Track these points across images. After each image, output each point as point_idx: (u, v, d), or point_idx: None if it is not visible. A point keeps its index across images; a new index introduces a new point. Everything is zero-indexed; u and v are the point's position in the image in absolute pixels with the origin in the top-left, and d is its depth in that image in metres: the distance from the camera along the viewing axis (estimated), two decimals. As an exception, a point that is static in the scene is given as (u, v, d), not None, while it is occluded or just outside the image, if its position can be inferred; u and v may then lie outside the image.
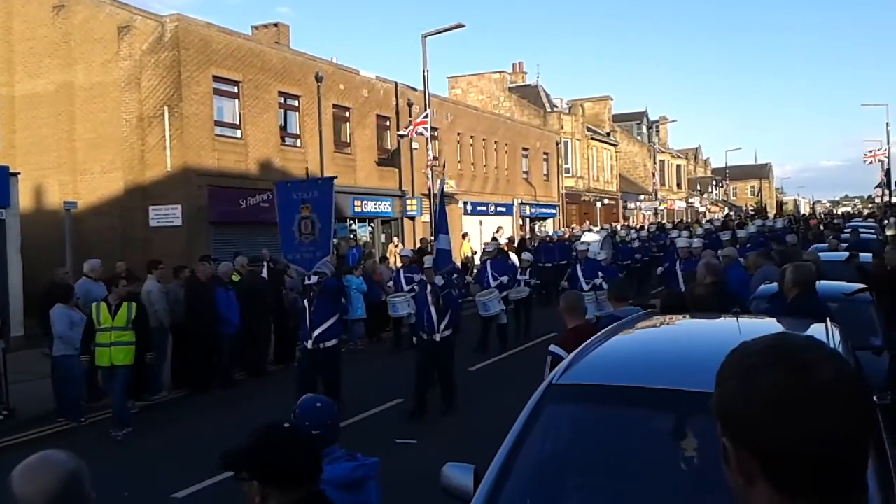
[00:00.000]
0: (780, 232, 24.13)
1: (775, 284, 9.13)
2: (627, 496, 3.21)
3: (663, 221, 46.53)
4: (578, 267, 16.56)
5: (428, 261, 11.59)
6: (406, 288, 16.03)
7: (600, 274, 16.30)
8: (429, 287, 10.80)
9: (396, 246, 24.83)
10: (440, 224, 11.88)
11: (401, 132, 27.74)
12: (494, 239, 23.91)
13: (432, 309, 10.58)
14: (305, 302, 10.18)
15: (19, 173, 17.13)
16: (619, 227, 32.46)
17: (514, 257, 18.62)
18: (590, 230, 28.99)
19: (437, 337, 10.51)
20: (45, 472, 2.16)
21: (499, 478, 3.22)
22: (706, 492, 3.11)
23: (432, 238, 13.80)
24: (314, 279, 10.09)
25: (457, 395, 10.52)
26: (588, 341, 4.16)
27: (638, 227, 37.35)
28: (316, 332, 9.90)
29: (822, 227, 32.51)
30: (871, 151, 54.58)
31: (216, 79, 20.95)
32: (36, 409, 11.20)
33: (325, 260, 10.33)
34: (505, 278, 16.25)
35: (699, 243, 15.90)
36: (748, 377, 1.12)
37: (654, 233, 31.56)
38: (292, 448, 2.40)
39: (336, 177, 13.80)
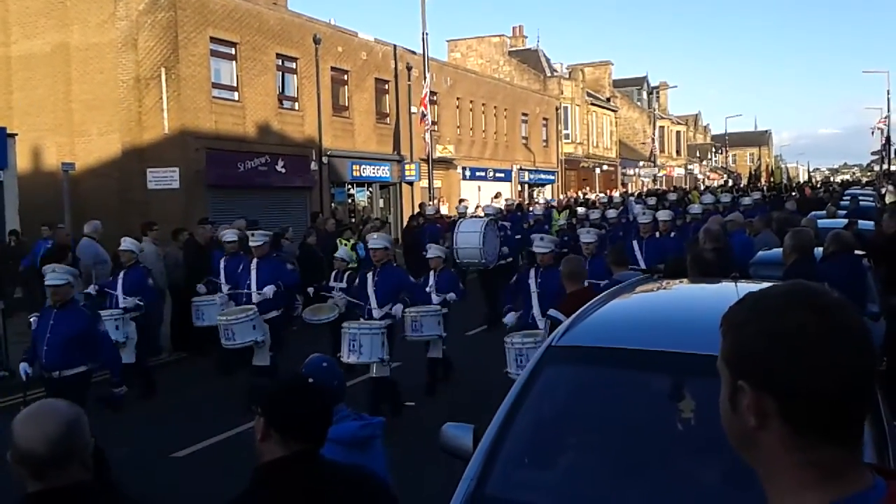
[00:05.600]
0: (748, 212, 16.38)
1: (774, 251, 9.20)
2: (624, 456, 3.25)
3: (575, 195, 33.21)
4: (370, 278, 9.26)
5: None
6: (226, 286, 10.77)
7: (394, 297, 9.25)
8: None
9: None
10: None
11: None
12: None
13: None
14: None
15: (17, 134, 17.05)
16: (501, 203, 21.81)
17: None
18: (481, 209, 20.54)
19: None
20: (47, 418, 2.25)
21: (498, 437, 3.26)
22: (702, 452, 3.16)
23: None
24: None
25: None
26: (587, 304, 4.18)
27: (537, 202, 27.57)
28: None
29: (817, 196, 32.31)
30: (878, 119, 54.41)
31: (213, 40, 20.75)
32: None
33: None
34: (270, 290, 9.74)
35: (591, 237, 10.30)
36: (770, 319, 1.16)
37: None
38: (304, 403, 2.45)
39: None
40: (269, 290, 9.74)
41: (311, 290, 10.94)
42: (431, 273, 10.37)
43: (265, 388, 2.57)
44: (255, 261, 10.06)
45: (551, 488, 3.23)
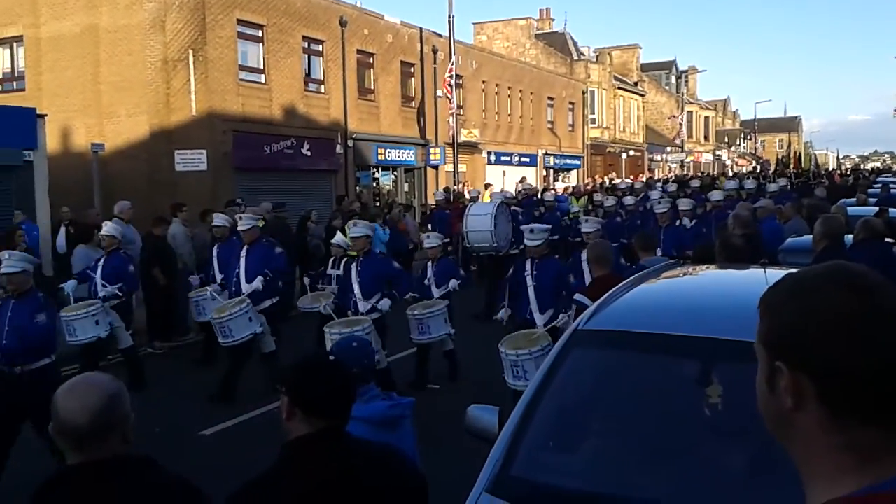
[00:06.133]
0: (774, 199, 15.20)
1: (803, 238, 9.11)
2: (649, 440, 3.25)
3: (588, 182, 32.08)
4: (354, 268, 9.07)
5: None
6: (220, 274, 10.24)
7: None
8: None
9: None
10: None
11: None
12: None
13: None
14: None
15: (46, 115, 17.22)
16: (516, 190, 20.27)
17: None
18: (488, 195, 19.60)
19: None
20: (89, 390, 2.30)
21: (523, 419, 3.26)
22: (729, 438, 3.14)
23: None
24: None
25: None
26: (614, 289, 4.17)
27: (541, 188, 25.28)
28: None
29: (847, 183, 31.77)
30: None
31: (240, 22, 20.83)
32: (63, 349, 11.41)
33: None
34: (258, 283, 9.29)
35: (592, 227, 9.27)
36: (809, 298, 1.14)
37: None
38: (325, 380, 2.47)
39: None
40: (257, 283, 9.24)
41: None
42: (429, 264, 9.84)
43: (288, 369, 2.61)
44: (245, 248, 9.51)
45: (576, 471, 3.24)
